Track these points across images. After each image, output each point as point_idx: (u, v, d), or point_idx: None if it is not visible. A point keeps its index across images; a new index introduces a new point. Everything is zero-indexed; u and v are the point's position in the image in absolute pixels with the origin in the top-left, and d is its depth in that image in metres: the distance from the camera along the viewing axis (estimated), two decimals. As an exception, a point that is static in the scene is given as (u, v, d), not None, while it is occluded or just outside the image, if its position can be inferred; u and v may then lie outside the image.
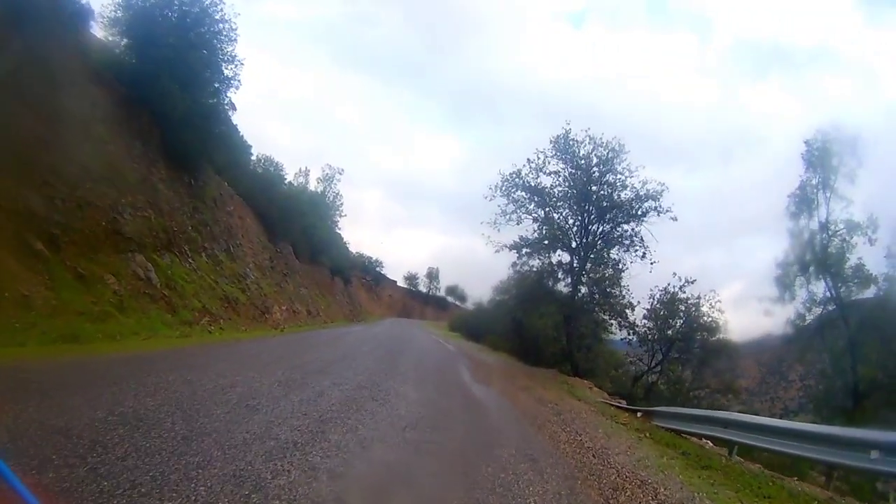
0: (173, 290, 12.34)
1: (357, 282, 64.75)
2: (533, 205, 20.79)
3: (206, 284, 14.54)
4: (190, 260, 14.40)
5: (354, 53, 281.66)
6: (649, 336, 23.55)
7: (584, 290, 21.37)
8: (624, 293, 21.01)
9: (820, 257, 20.77)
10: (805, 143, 21.03)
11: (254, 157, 32.50)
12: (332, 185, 49.07)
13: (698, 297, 22.68)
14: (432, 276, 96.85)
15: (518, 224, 20.90)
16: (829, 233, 20.65)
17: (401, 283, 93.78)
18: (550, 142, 20.56)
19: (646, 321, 23.28)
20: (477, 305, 48.38)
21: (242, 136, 30.11)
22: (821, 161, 20.97)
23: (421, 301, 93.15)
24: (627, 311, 21.59)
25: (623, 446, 7.53)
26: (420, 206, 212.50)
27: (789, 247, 22.10)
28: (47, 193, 9.92)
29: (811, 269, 21.30)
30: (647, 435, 8.90)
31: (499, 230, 20.75)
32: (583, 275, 21.14)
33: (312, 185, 47.05)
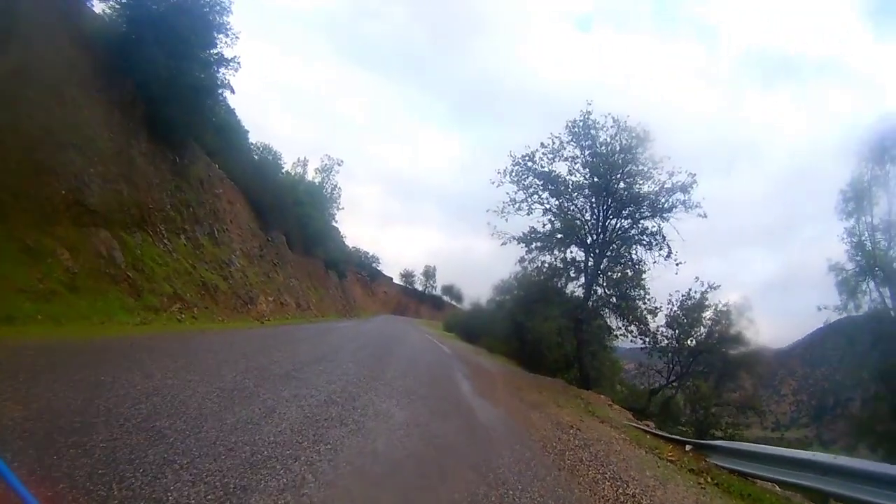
0: (140, 271, 11.25)
1: (352, 277, 63.66)
2: (546, 193, 18.42)
3: (181, 269, 13.45)
4: (165, 241, 13.31)
5: (358, 47, 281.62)
6: (669, 346, 21.83)
7: (599, 291, 19.01)
8: (646, 296, 18.74)
9: (871, 261, 19.55)
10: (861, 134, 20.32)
11: (252, 144, 31.59)
12: (331, 177, 48.22)
13: (726, 305, 21.15)
14: (429, 274, 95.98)
15: (528, 214, 18.55)
16: (892, 234, 19.45)
17: (397, 281, 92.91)
18: (567, 126, 18.19)
19: (665, 328, 21.57)
20: (474, 305, 47.13)
21: (240, 120, 29.20)
22: (875, 154, 19.79)
23: (416, 299, 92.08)
24: (648, 316, 19.59)
25: (689, 502, 5.87)
26: (419, 203, 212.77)
27: (851, 249, 20.56)
28: (-3, 154, 8.87)
29: (876, 272, 19.76)
30: (709, 479, 7.22)
31: (506, 220, 18.41)
32: (598, 275, 18.80)
33: (310, 176, 46.10)
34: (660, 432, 11.47)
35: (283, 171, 36.77)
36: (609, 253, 18.61)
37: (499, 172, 18.42)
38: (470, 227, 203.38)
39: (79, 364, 5.75)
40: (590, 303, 18.90)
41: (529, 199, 18.43)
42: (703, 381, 21.90)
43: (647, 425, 13.02)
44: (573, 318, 19.92)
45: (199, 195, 17.26)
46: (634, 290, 18.32)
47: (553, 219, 18.56)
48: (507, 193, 18.39)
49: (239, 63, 18.73)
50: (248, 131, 30.09)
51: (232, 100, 28.44)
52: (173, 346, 7.89)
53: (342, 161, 50.57)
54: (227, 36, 16.97)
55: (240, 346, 9.40)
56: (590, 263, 18.70)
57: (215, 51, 17.38)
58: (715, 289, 21.18)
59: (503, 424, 7.71)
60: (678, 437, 10.62)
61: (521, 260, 18.80)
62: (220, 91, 18.78)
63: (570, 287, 19.54)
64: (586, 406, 12.60)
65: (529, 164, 18.34)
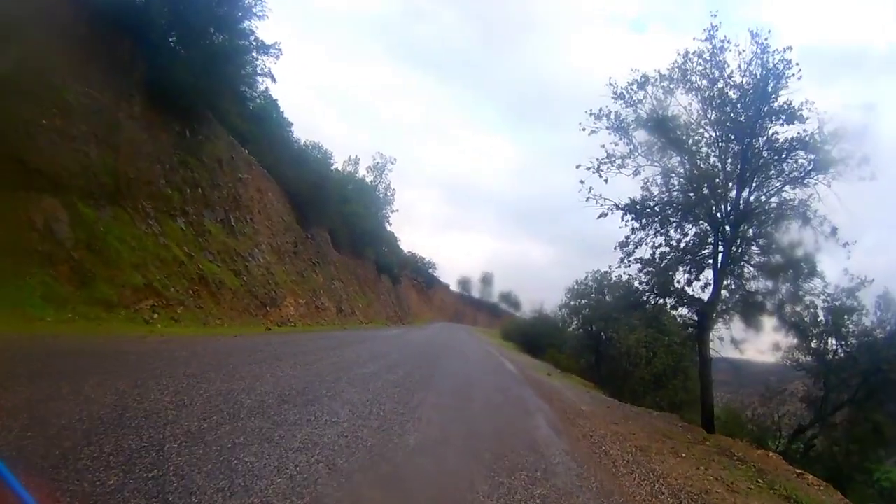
0: (97, 253, 8.67)
1: (407, 283, 61.30)
2: (658, 147, 12.73)
3: (168, 257, 10.87)
4: (150, 221, 10.82)
5: (410, 50, 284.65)
6: (833, 362, 16.19)
7: (731, 283, 13.03)
8: (824, 291, 13.21)
9: None
10: None
11: (301, 142, 29.89)
12: (384, 176, 45.96)
13: None
14: (487, 281, 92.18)
15: (635, 175, 12.96)
16: None
17: (454, 288, 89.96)
18: (676, 63, 12.21)
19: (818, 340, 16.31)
20: (536, 313, 42.85)
21: (283, 112, 27.48)
22: None
23: (473, 306, 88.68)
24: (845, 319, 14.85)
25: None
26: (475, 209, 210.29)
27: None
28: None
29: None
30: None
31: (606, 180, 12.76)
32: (737, 262, 12.90)
33: (361, 174, 44.19)
34: None
35: (333, 168, 34.91)
36: (748, 231, 12.79)
37: (591, 114, 12.78)
38: (526, 233, 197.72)
39: None
40: (716, 302, 12.87)
41: (634, 153, 12.71)
42: (879, 411, 15.46)
43: None
44: (695, 325, 13.84)
45: (215, 176, 14.91)
46: (806, 282, 12.40)
47: (666, 181, 12.92)
48: (603, 147, 12.71)
49: (280, 50, 16.67)
50: (291, 124, 28.26)
51: (275, 91, 26.96)
52: (26, 368, 4.64)
53: (395, 159, 48.61)
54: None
55: (164, 368, 5.53)
56: (720, 246, 12.82)
57: (245, 23, 15.35)
58: (868, 283, 15.47)
59: None
60: None
61: (623, 244, 13.01)
62: (245, 60, 16.66)
63: (685, 281, 13.46)
64: (768, 483, 7.47)
65: (638, 94, 12.46)
